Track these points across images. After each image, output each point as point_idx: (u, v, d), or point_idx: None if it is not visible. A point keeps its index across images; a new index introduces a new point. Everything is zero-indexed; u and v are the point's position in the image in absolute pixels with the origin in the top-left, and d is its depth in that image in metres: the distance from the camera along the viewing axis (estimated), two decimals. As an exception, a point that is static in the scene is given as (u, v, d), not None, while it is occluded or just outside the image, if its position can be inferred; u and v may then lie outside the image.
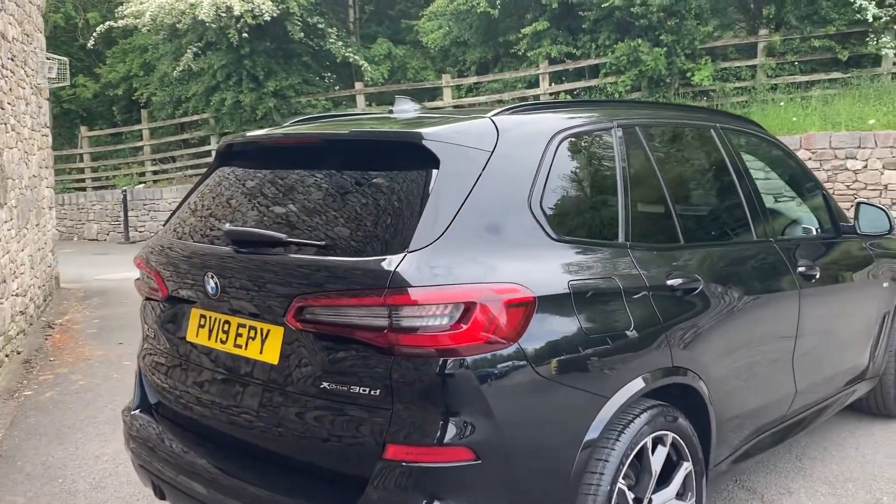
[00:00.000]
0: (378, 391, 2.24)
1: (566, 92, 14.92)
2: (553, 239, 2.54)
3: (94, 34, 17.22)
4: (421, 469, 2.21)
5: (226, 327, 2.65)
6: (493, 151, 2.51)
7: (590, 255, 2.64)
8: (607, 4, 13.54)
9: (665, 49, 13.65)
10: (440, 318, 2.20)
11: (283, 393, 2.44)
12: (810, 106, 12.33)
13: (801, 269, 3.61)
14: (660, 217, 3.03)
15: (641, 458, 2.66)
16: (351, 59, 16.52)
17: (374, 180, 2.49)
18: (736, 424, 3.20)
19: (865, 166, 10.58)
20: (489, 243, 2.39)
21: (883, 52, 12.67)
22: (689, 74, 13.85)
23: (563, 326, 2.43)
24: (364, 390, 2.26)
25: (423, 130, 2.48)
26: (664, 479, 2.77)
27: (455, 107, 15.83)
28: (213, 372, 2.70)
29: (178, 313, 2.86)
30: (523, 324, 2.30)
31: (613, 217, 2.81)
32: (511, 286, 2.31)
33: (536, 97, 15.04)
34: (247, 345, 2.57)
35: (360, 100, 16.71)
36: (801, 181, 4.20)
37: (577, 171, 2.82)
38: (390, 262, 2.23)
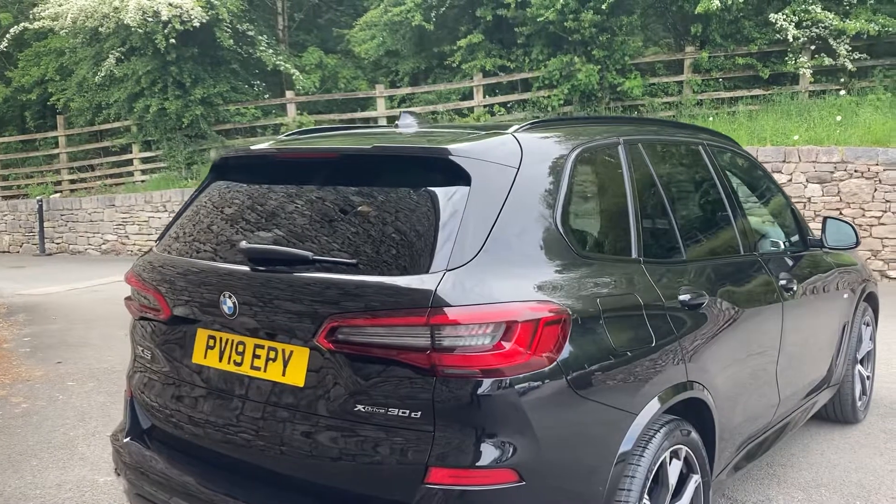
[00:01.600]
0: (419, 413, 2.18)
1: (500, 104, 15.07)
2: (578, 255, 2.54)
3: (7, 36, 16.41)
4: (465, 493, 2.17)
5: (240, 349, 2.54)
6: (518, 168, 2.50)
7: (612, 271, 2.66)
8: (541, 19, 13.75)
9: (598, 65, 13.95)
10: (483, 337, 2.17)
11: (311, 417, 2.35)
12: (737, 121, 12.82)
13: (782, 282, 3.73)
14: (665, 232, 3.08)
15: (658, 473, 2.68)
16: (282, 68, 16.26)
17: (402, 197, 2.44)
18: (733, 435, 3.27)
19: (790, 180, 11.04)
20: (521, 261, 2.37)
21: (801, 72, 13.29)
22: (619, 88, 14.19)
23: (596, 343, 2.43)
24: (404, 412, 2.20)
25: (452, 146, 2.44)
26: (676, 492, 2.81)
27: (388, 118, 15.79)
28: (226, 396, 2.58)
29: (181, 334, 2.73)
30: (560, 342, 2.29)
31: (627, 233, 2.84)
32: (548, 304, 2.29)
33: (471, 109, 15.14)
34: (266, 367, 2.47)
35: (291, 109, 16.45)
36: (770, 195, 4.35)
37: (594, 187, 2.84)
38: (431, 282, 2.18)
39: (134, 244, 16.10)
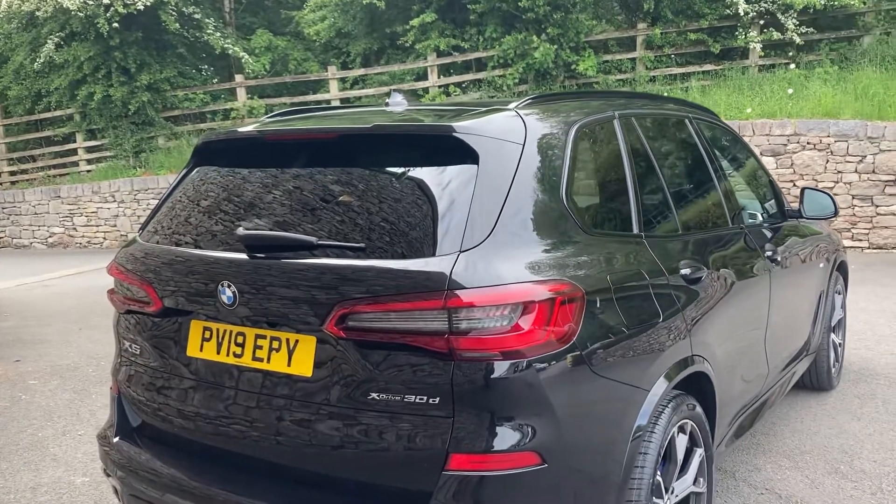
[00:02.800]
0: (437, 399, 2.12)
1: (455, 85, 14.97)
2: (585, 232, 2.50)
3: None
4: (487, 478, 2.11)
5: (240, 340, 2.44)
6: (524, 145, 2.44)
7: (618, 247, 2.62)
8: (494, -3, 13.68)
9: (553, 43, 13.93)
10: (501, 319, 2.11)
11: (321, 407, 2.27)
12: (690, 97, 12.95)
13: (767, 253, 3.75)
14: (661, 207, 3.05)
15: (667, 449, 2.66)
16: (230, 51, 15.86)
17: (407, 177, 2.36)
18: (730, 407, 3.28)
19: (745, 153, 11.21)
20: (532, 239, 2.31)
21: (751, 46, 13.48)
22: (573, 67, 14.21)
23: (609, 320, 2.39)
24: (421, 399, 2.13)
25: (457, 124, 2.37)
26: (681, 468, 2.80)
27: (342, 101, 15.57)
28: (226, 389, 2.47)
29: (173, 327, 2.61)
30: (577, 320, 2.25)
31: (627, 208, 2.81)
32: (562, 283, 2.24)
33: (426, 90, 15.01)
34: (269, 358, 2.37)
35: (241, 93, 16.08)
36: (750, 167, 4.37)
37: (595, 163, 2.80)
38: (445, 264, 2.11)
39: (83, 236, 15.63)
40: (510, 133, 2.44)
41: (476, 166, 2.29)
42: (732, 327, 3.26)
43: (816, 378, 4.94)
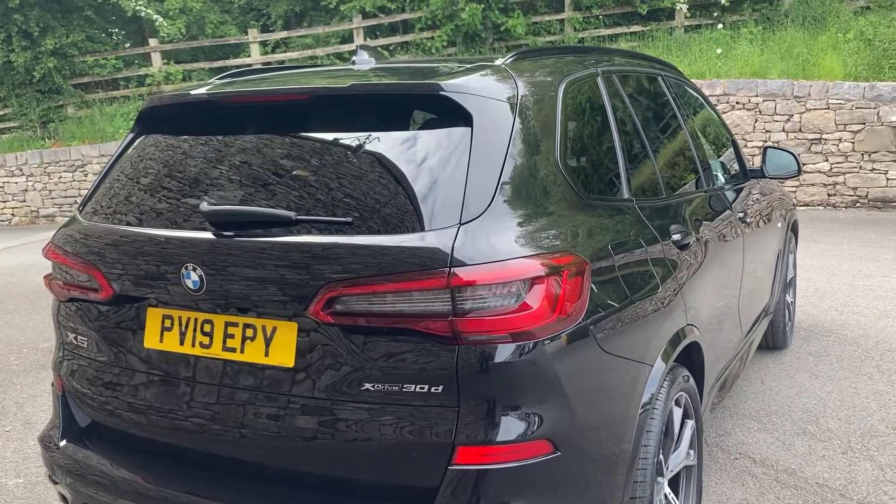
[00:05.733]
0: (440, 387, 1.91)
1: (382, 47, 14.56)
2: (581, 198, 2.31)
3: None
4: (498, 472, 1.93)
5: (206, 328, 2.17)
6: (517, 104, 2.22)
7: (613, 214, 2.45)
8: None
9: (480, 3, 13.67)
10: (508, 297, 1.91)
11: (306, 401, 2.04)
12: (620, 58, 12.92)
13: (739, 214, 3.66)
14: (646, 169, 2.90)
15: (667, 423, 2.54)
16: (142, 14, 14.98)
17: (393, 143, 2.13)
18: (714, 373, 3.19)
19: (677, 114, 11.27)
20: (532, 208, 2.11)
21: (677, 7, 13.53)
22: (502, 28, 13.99)
23: (613, 293, 2.23)
24: (422, 388, 1.92)
25: (445, 82, 2.13)
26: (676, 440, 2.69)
27: (264, 64, 14.95)
28: (191, 384, 2.21)
29: (126, 316, 2.32)
30: (583, 295, 2.07)
31: (616, 172, 2.64)
32: (568, 254, 2.06)
33: (352, 52, 14.53)
34: (243, 347, 2.11)
35: (156, 58, 15.26)
36: (714, 125, 4.26)
37: (585, 124, 2.60)
38: (445, 239, 1.90)
39: (-11, 212, 14.68)
40: (502, 91, 2.22)
41: (469, 128, 2.07)
42: (716, 293, 3.15)
43: (772, 337, 4.94)
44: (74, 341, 2.49)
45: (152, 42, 15.34)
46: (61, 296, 2.51)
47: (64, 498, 2.54)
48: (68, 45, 14.87)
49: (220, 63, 15.29)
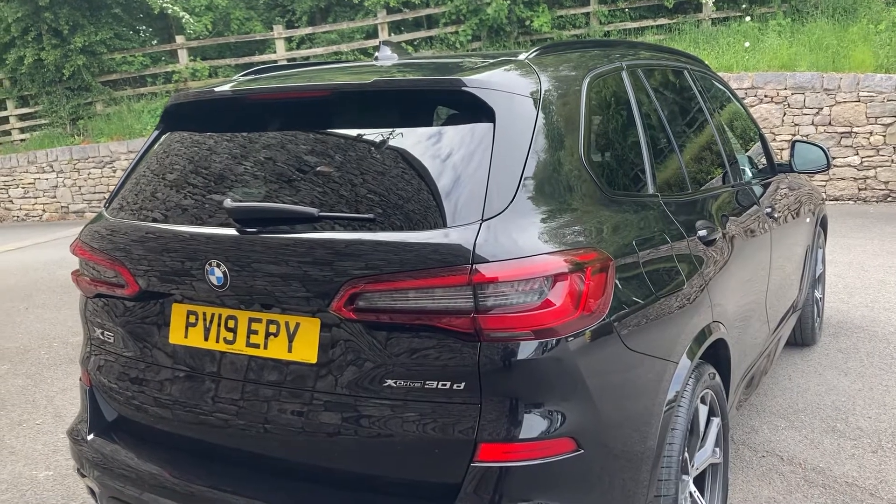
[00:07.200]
0: (462, 384, 1.90)
1: (407, 42, 14.57)
2: (606, 194, 2.29)
3: None
4: (521, 469, 1.92)
5: (231, 324, 2.18)
6: (540, 99, 2.21)
7: (637, 210, 2.43)
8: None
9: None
10: (531, 294, 1.90)
11: (329, 397, 2.04)
12: (646, 51, 12.81)
13: (766, 209, 3.61)
14: (671, 164, 2.87)
15: (692, 421, 2.52)
16: (169, 11, 15.13)
17: (416, 139, 2.12)
18: (740, 370, 3.16)
19: (703, 108, 11.14)
20: (555, 204, 2.09)
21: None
22: (527, 22, 13.93)
23: (638, 290, 2.20)
24: (444, 384, 1.92)
25: (468, 77, 2.12)
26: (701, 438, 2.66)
27: (289, 60, 15.02)
28: (216, 380, 2.22)
29: (152, 311, 2.34)
30: (607, 291, 2.05)
31: (641, 167, 2.61)
32: (592, 251, 2.04)
33: (376, 48, 14.55)
34: (266, 343, 2.12)
35: (183, 55, 15.40)
36: (741, 119, 4.21)
37: (609, 119, 2.58)
38: (468, 235, 1.89)
39: (20, 209, 14.92)
40: (525, 86, 2.20)
41: (492, 124, 2.05)
42: (743, 289, 3.11)
43: (801, 334, 4.88)
44: (101, 337, 2.52)
45: (179, 39, 15.48)
46: (88, 292, 2.54)
47: (92, 491, 2.57)
48: (97, 42, 15.06)
49: (246, 59, 15.39)
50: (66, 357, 5.68)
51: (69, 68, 14.93)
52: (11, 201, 14.94)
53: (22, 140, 15.88)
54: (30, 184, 14.73)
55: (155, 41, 16.43)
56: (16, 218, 14.97)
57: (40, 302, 7.56)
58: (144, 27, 16.52)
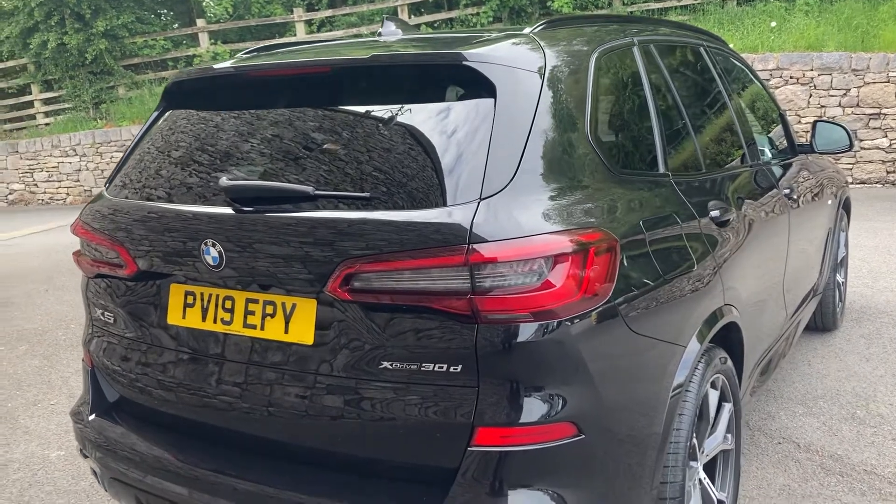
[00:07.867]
0: (459, 366, 1.86)
1: (427, 24, 14.45)
2: (613, 172, 2.22)
3: None
4: (519, 454, 1.87)
5: (228, 305, 2.15)
6: (544, 74, 2.14)
7: (647, 189, 2.36)
8: (466, -69, 13.11)
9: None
10: (530, 275, 1.84)
11: (325, 378, 2.00)
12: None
13: (785, 191, 3.52)
14: (684, 143, 2.78)
15: (702, 407, 2.45)
16: (190, -6, 15.17)
17: (414, 115, 2.06)
18: (754, 355, 3.08)
19: (728, 89, 10.95)
20: (558, 183, 2.03)
21: (730, -22, 13.13)
22: (549, 4, 13.76)
23: (645, 272, 2.14)
24: (440, 367, 1.87)
25: (468, 52, 2.06)
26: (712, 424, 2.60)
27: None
28: (213, 360, 2.20)
29: (151, 292, 2.31)
30: (611, 273, 1.99)
31: (652, 145, 2.53)
32: (595, 231, 1.97)
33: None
34: (263, 324, 2.09)
35: (204, 38, 15.41)
36: (761, 98, 4.10)
37: (618, 95, 2.50)
38: (465, 214, 1.83)
39: (45, 192, 15.06)
40: (529, 61, 2.14)
41: (493, 100, 1.99)
42: (758, 272, 3.03)
43: (821, 318, 4.77)
44: (102, 317, 2.50)
45: (200, 22, 15.48)
46: (89, 272, 2.52)
47: (94, 472, 2.57)
48: (119, 26, 15.12)
49: (267, 42, 15.34)
50: (82, 339, 5.71)
51: (92, 52, 15.01)
52: (36, 185, 15.09)
53: (46, 124, 16.01)
54: (54, 167, 14.86)
55: (176, 25, 16.47)
56: (40, 201, 15.12)
57: (60, 284, 7.62)
58: (165, 11, 16.55)
